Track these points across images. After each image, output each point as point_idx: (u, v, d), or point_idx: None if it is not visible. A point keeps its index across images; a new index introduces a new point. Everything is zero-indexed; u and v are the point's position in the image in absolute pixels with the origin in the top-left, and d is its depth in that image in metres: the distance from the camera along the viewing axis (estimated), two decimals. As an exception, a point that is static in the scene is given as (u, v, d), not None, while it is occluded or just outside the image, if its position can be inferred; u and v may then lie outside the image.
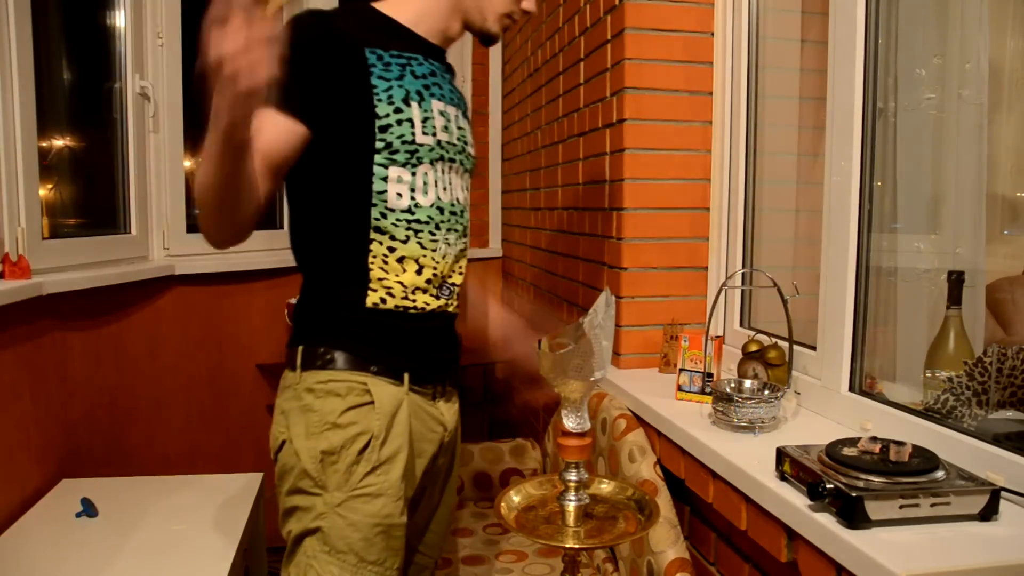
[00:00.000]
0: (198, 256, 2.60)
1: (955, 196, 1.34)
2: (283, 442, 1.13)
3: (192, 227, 2.61)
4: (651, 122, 1.72)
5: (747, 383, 1.38)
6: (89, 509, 1.79)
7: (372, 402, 1.10)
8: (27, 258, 1.81)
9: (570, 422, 1.04)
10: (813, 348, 1.41)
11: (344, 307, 1.14)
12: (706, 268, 1.77)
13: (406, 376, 1.14)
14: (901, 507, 0.91)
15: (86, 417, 2.15)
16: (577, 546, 1.03)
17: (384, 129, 1.10)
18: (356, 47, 1.11)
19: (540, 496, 1.14)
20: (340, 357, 1.12)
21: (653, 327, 1.76)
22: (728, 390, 1.34)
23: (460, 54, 3.19)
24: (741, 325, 1.70)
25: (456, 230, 1.21)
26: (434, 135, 1.15)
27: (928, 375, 1.20)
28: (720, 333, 1.73)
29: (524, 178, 2.75)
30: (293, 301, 2.60)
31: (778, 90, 1.69)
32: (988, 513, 0.92)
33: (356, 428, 1.09)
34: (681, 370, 1.49)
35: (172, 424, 2.50)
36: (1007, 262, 1.46)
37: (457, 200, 1.21)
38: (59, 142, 2.22)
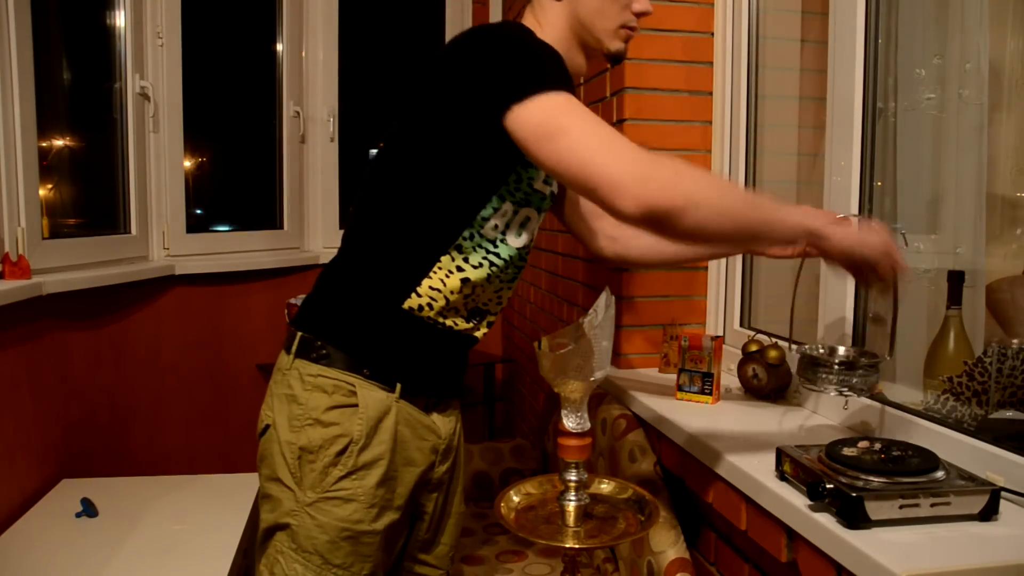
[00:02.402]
0: (198, 256, 2.60)
1: (955, 196, 1.34)
2: (267, 426, 1.13)
3: (192, 227, 2.62)
4: (651, 122, 1.72)
5: (840, 349, 1.24)
6: (89, 509, 1.79)
7: (356, 404, 1.09)
8: (27, 258, 1.81)
9: (570, 422, 1.04)
10: (813, 348, 1.41)
11: (371, 302, 1.12)
12: (706, 268, 1.77)
13: (399, 385, 1.12)
14: (901, 507, 0.91)
15: (86, 417, 2.15)
16: (577, 546, 1.03)
17: (526, 166, 1.09)
18: None
19: (540, 496, 1.14)
20: (335, 354, 1.11)
21: (653, 327, 1.76)
22: (818, 354, 1.19)
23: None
24: (741, 325, 1.70)
25: (519, 271, 1.20)
26: (551, 186, 1.15)
27: (928, 375, 1.20)
28: (720, 333, 1.73)
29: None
30: (293, 301, 2.60)
31: (778, 90, 1.69)
32: (988, 513, 0.92)
33: (337, 429, 1.08)
34: (681, 370, 1.49)
35: (172, 424, 2.50)
36: (1007, 262, 1.45)
37: (532, 243, 1.21)
38: (59, 142, 2.22)
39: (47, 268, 1.93)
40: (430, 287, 1.10)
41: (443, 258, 1.10)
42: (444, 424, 1.21)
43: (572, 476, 1.05)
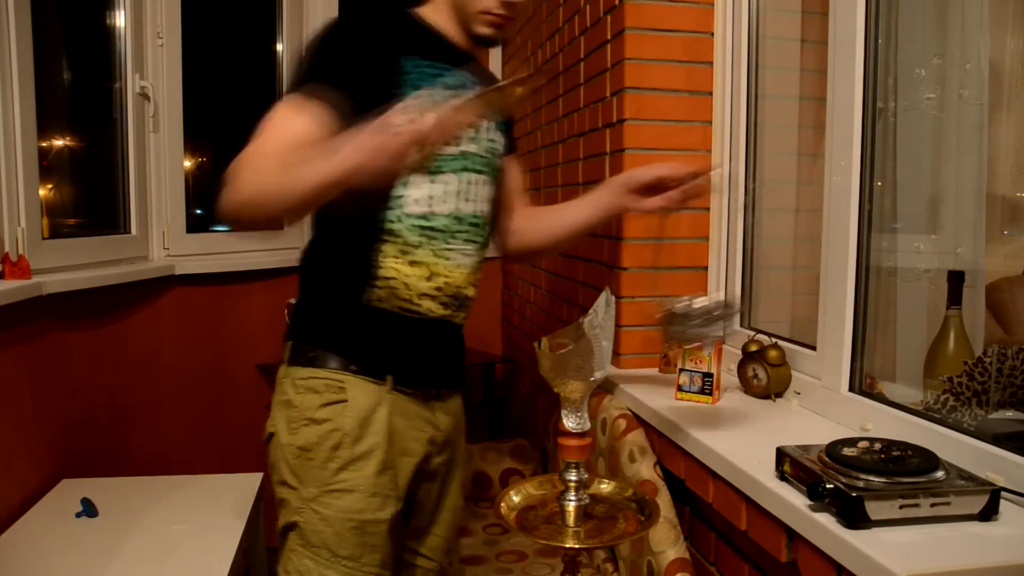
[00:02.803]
0: (198, 256, 2.60)
1: (955, 196, 1.34)
2: (271, 434, 1.17)
3: (192, 227, 2.62)
4: (651, 122, 1.72)
5: (699, 300, 1.22)
6: (89, 509, 1.79)
7: (346, 400, 1.12)
8: (27, 258, 1.81)
9: (570, 422, 1.04)
10: (813, 348, 1.41)
11: (341, 302, 1.16)
12: (706, 268, 1.77)
13: (389, 378, 1.15)
14: (901, 507, 0.91)
15: (86, 417, 2.15)
16: (577, 546, 1.03)
17: None
18: (394, 55, 1.11)
19: (540, 496, 1.14)
20: (322, 355, 1.14)
21: (653, 327, 1.76)
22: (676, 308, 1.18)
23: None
24: (741, 325, 1.70)
25: (475, 241, 1.21)
26: (458, 145, 1.16)
27: (928, 375, 1.20)
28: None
29: (524, 178, 2.74)
30: (293, 301, 2.61)
31: (778, 90, 1.69)
32: (988, 513, 0.92)
33: (330, 425, 1.11)
34: (681, 370, 1.49)
35: (172, 424, 2.50)
36: (1007, 262, 1.46)
37: (481, 212, 1.21)
38: (59, 142, 2.22)
39: (47, 268, 1.93)
40: (384, 276, 1.13)
41: (384, 247, 1.13)
42: (444, 417, 1.24)
43: (572, 476, 1.05)
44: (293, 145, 1.01)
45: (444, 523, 1.29)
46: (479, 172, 1.20)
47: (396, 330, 1.16)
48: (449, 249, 1.16)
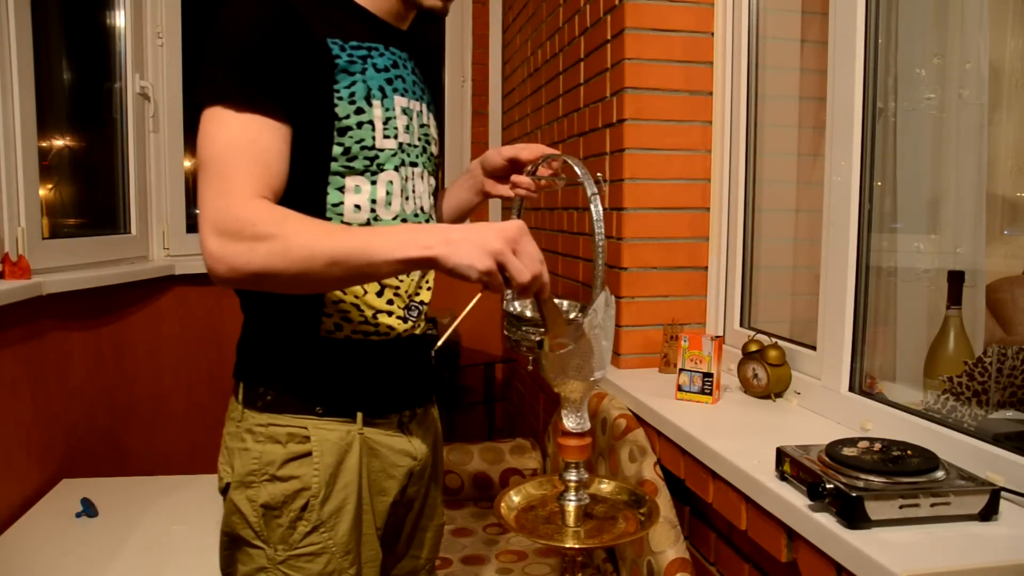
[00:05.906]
0: (198, 256, 2.58)
1: (955, 196, 1.34)
2: (228, 484, 1.05)
3: (192, 227, 2.62)
4: (651, 122, 1.72)
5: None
6: (89, 509, 1.79)
7: (311, 453, 1.01)
8: (27, 258, 1.82)
9: (570, 422, 1.04)
10: (813, 348, 1.41)
11: (293, 336, 1.04)
12: (706, 268, 1.78)
13: (359, 415, 1.04)
14: (901, 507, 0.91)
15: (86, 417, 2.15)
16: (577, 546, 1.03)
17: (343, 132, 0.98)
18: (318, 37, 0.97)
19: (540, 496, 1.14)
20: (281, 399, 1.03)
21: (653, 327, 1.76)
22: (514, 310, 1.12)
23: (460, 55, 3.19)
24: (741, 325, 1.70)
25: None
26: (396, 137, 1.04)
27: (928, 375, 1.20)
28: (720, 333, 1.73)
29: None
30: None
31: (778, 90, 1.69)
32: (988, 513, 0.92)
33: (296, 483, 1.01)
34: (681, 370, 1.49)
35: (172, 424, 2.50)
36: (1007, 262, 1.46)
37: (422, 209, 1.09)
38: (59, 142, 2.22)
39: (47, 268, 1.93)
40: (333, 301, 1.02)
41: None
42: (423, 440, 1.14)
43: (572, 476, 1.05)
44: (278, 174, 0.92)
45: (427, 545, 1.22)
46: (415, 164, 1.08)
47: (359, 360, 1.04)
48: None
